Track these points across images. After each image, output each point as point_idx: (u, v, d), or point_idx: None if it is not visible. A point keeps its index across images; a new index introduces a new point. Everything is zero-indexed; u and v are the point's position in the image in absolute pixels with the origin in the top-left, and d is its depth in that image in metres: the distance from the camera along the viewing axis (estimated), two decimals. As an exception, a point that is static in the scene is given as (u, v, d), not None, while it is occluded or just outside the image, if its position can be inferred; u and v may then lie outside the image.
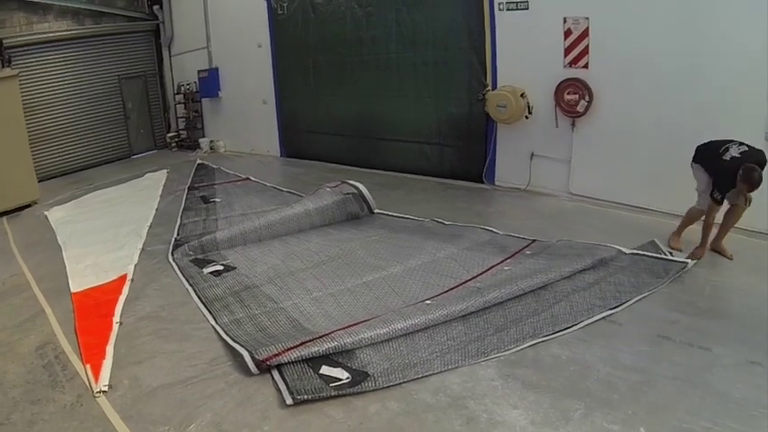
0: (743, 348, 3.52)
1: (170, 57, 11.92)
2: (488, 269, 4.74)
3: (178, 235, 6.15)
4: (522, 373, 3.36)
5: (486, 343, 3.66)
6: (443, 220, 6.10)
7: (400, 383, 3.31)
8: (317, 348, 3.50)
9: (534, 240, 5.28)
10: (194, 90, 11.52)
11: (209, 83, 11.04)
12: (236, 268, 5.13)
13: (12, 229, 7.09)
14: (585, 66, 6.41)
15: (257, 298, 4.51)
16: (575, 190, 6.82)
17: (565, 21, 6.41)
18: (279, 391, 3.27)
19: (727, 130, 5.04)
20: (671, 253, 4.92)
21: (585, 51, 6.38)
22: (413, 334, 3.72)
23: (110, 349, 3.83)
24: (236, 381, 3.42)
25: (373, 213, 6.48)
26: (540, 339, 3.69)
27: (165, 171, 9.52)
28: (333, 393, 3.20)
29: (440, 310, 3.86)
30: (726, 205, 4.86)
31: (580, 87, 6.41)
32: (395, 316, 3.83)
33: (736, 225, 4.97)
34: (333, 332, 3.67)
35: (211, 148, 11.43)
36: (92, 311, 4.47)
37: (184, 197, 7.74)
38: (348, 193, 6.50)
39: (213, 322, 4.15)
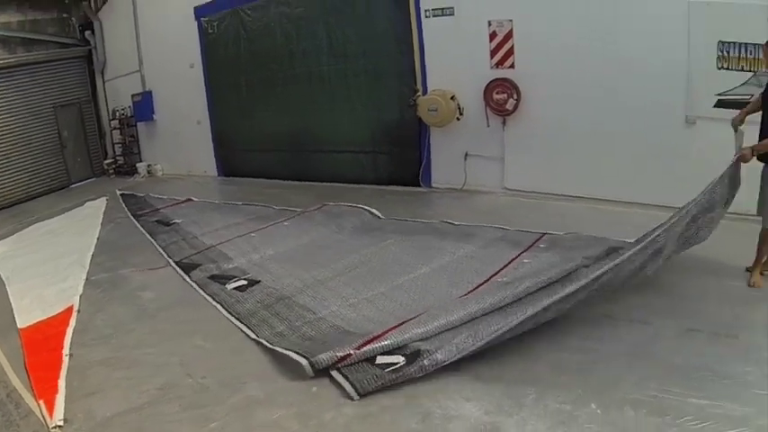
0: (683, 319, 3.62)
1: (104, 82, 11.67)
2: (509, 263, 4.79)
3: (175, 257, 5.94)
4: (473, 366, 3.33)
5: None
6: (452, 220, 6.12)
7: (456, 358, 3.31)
8: (382, 343, 3.47)
9: (545, 233, 5.36)
10: (129, 114, 11.24)
11: (144, 106, 10.82)
12: (260, 281, 5.01)
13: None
14: (512, 66, 6.61)
15: (293, 309, 4.40)
16: (510, 185, 6.97)
17: (489, 24, 6.59)
18: (342, 389, 3.23)
19: (648, 115, 5.26)
20: None
21: (511, 52, 6.57)
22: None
23: (62, 383, 3.70)
24: (189, 404, 3.31)
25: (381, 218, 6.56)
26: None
27: (104, 198, 9.35)
28: (392, 378, 3.21)
29: (479, 304, 3.81)
30: None
31: (508, 87, 6.58)
32: (439, 311, 3.80)
33: None
34: (387, 332, 3.62)
35: (149, 173, 11.14)
36: (41, 346, 4.35)
37: (139, 225, 7.49)
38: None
39: (254, 336, 4.04)
